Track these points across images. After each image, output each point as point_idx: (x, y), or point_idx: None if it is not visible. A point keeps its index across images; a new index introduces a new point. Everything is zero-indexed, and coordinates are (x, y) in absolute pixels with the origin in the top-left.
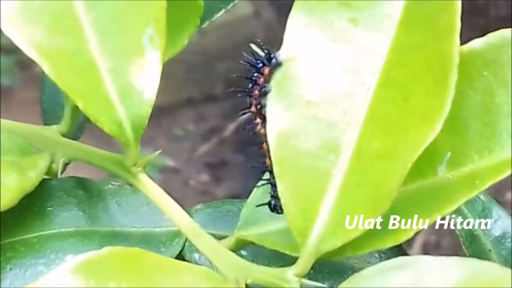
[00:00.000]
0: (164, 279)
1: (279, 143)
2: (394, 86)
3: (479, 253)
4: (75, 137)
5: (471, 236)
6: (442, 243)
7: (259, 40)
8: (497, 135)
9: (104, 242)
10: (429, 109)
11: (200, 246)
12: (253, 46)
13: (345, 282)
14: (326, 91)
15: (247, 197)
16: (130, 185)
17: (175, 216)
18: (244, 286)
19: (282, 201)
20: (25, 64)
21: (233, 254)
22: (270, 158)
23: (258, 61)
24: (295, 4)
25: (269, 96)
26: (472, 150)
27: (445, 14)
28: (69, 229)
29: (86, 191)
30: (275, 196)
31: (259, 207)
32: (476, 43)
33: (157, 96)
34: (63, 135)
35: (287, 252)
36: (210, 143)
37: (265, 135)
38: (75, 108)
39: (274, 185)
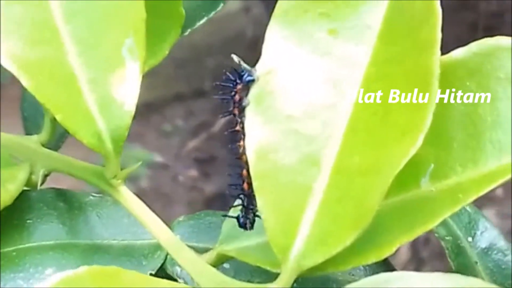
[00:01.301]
0: None
1: (258, 157)
2: (375, 99)
3: (465, 266)
4: (55, 147)
5: (457, 248)
6: (431, 237)
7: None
8: (481, 147)
9: (85, 255)
10: (410, 123)
11: (180, 261)
12: (235, 58)
13: None
14: (306, 104)
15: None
16: (111, 197)
17: (155, 229)
18: None
19: (262, 216)
20: None
21: (214, 270)
22: (247, 170)
23: (233, 79)
24: (274, 16)
25: (247, 110)
26: (456, 162)
27: (425, 27)
28: (49, 242)
29: (67, 203)
30: (246, 210)
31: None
32: (459, 53)
33: (145, 92)
34: (43, 145)
35: (268, 268)
36: (199, 139)
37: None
38: (55, 119)
39: (247, 199)
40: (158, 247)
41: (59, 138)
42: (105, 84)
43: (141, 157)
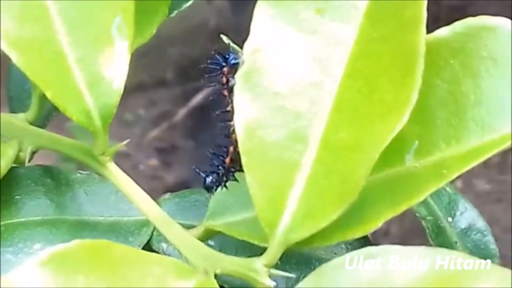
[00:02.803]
0: (133, 271)
1: (247, 134)
2: (361, 77)
3: (445, 245)
4: (42, 125)
5: (438, 228)
6: (391, 230)
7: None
8: (464, 124)
9: (72, 231)
10: (396, 100)
11: (169, 236)
12: (224, 38)
13: (313, 273)
14: (293, 82)
15: (197, 183)
16: (99, 174)
17: (144, 205)
18: (213, 276)
19: (250, 191)
20: None
21: (202, 244)
22: (234, 148)
23: (219, 60)
24: None
25: (235, 88)
26: (440, 139)
27: (411, 6)
28: (37, 217)
29: (54, 180)
30: (218, 179)
31: (228, 197)
32: (442, 32)
33: None
34: (30, 123)
35: (255, 242)
36: (160, 128)
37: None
38: (43, 97)
39: (225, 172)
40: (144, 223)
41: (46, 117)
42: (94, 63)
43: None
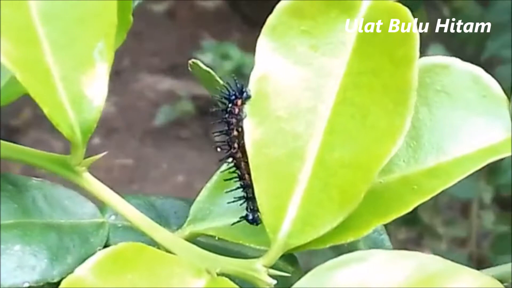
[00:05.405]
0: (162, 271)
1: (254, 152)
2: (352, 104)
3: (352, 244)
4: None
5: None
6: None
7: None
8: (421, 147)
9: (43, 232)
10: (390, 126)
11: (159, 240)
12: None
13: (309, 273)
14: (292, 107)
15: None
16: (77, 184)
17: (126, 211)
18: (216, 275)
19: (258, 201)
20: None
21: (195, 246)
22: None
23: (232, 94)
24: (264, 29)
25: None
26: (401, 159)
27: (403, 46)
28: (10, 221)
29: (14, 186)
30: (253, 209)
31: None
32: None
33: None
34: None
35: (252, 245)
36: None
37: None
38: None
39: (251, 199)
40: (100, 225)
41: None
42: (77, 82)
43: None
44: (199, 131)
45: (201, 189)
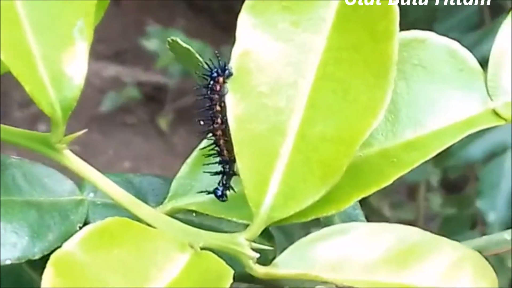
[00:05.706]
0: (148, 245)
1: (237, 127)
2: (332, 79)
3: (328, 219)
4: None
5: None
6: None
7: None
8: (399, 120)
9: (24, 210)
10: (371, 100)
11: (141, 215)
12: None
13: (291, 246)
14: (273, 82)
15: None
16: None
17: (108, 188)
18: (199, 249)
19: (241, 176)
20: None
21: (178, 221)
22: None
23: (214, 72)
24: (245, 6)
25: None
26: (379, 133)
27: (383, 20)
28: None
29: None
30: (225, 184)
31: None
32: None
33: None
34: None
35: (235, 219)
36: None
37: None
38: None
39: (227, 174)
40: (79, 202)
41: None
42: (58, 61)
43: None
44: (145, 118)
45: None
